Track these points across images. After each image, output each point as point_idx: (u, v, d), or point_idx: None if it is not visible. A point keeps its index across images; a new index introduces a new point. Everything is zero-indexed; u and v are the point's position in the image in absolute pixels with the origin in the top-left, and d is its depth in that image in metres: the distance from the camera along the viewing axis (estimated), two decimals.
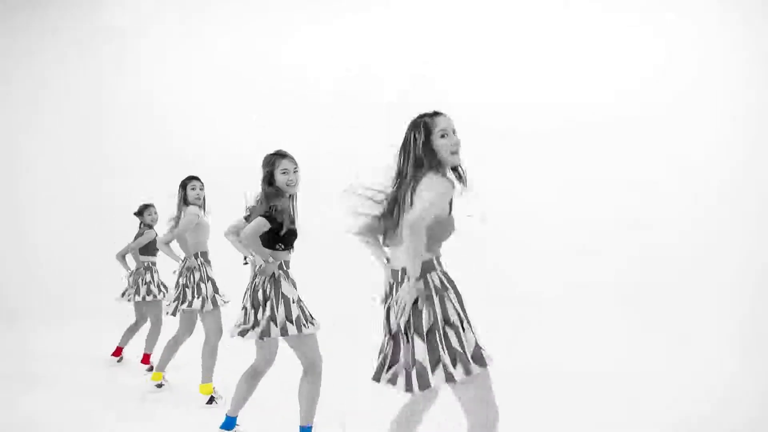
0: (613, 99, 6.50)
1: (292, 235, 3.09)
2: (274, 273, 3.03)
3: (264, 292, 3.02)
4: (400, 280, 2.17)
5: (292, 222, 3.06)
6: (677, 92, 6.22)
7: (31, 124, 9.52)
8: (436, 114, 2.26)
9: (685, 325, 5.48)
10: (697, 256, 5.89)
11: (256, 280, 3.06)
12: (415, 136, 2.22)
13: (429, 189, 2.09)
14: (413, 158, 2.21)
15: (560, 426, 3.69)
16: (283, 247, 3.07)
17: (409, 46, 7.59)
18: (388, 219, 2.28)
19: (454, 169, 2.29)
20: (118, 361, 5.39)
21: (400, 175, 2.26)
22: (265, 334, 2.97)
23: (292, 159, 3.12)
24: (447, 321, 2.05)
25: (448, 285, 2.13)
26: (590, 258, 6.32)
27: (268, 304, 2.99)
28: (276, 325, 2.96)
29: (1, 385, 4.63)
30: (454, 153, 2.23)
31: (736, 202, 5.91)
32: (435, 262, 2.16)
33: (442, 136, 2.21)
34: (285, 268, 3.10)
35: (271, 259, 3.02)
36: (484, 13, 7.27)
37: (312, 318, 3.09)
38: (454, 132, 2.25)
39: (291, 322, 2.97)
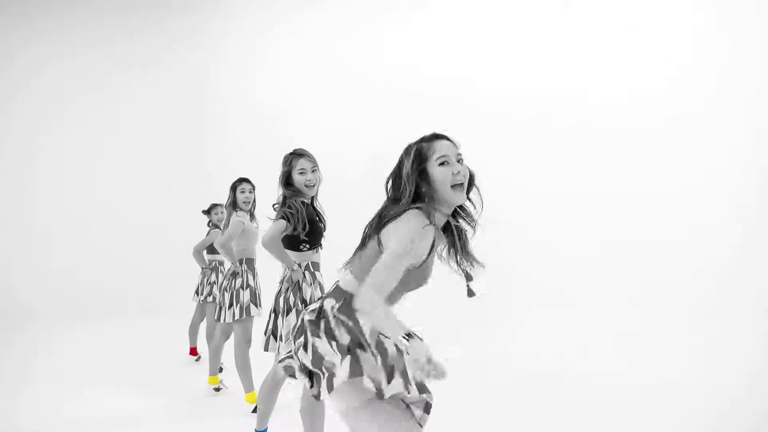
0: (646, 99, 6.74)
1: (315, 234, 2.92)
2: (299, 281, 2.88)
3: (287, 300, 2.88)
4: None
5: (311, 222, 2.88)
6: (704, 93, 6.43)
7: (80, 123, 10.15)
8: (436, 137, 1.76)
9: (707, 326, 5.49)
10: (719, 256, 5.88)
11: (283, 286, 2.95)
12: (406, 163, 1.75)
13: (396, 235, 1.64)
14: (403, 190, 1.73)
15: (577, 427, 3.60)
16: (308, 246, 2.92)
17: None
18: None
19: (461, 208, 1.81)
20: (197, 360, 5.51)
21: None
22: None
23: (310, 158, 2.94)
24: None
25: (334, 330, 1.73)
26: (611, 259, 6.40)
27: (293, 312, 2.86)
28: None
29: (41, 385, 4.85)
30: (456, 186, 1.72)
31: (757, 205, 5.87)
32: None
33: (442, 164, 1.72)
34: (312, 270, 2.94)
35: (296, 267, 2.88)
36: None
37: None
38: (459, 161, 1.75)
39: None
